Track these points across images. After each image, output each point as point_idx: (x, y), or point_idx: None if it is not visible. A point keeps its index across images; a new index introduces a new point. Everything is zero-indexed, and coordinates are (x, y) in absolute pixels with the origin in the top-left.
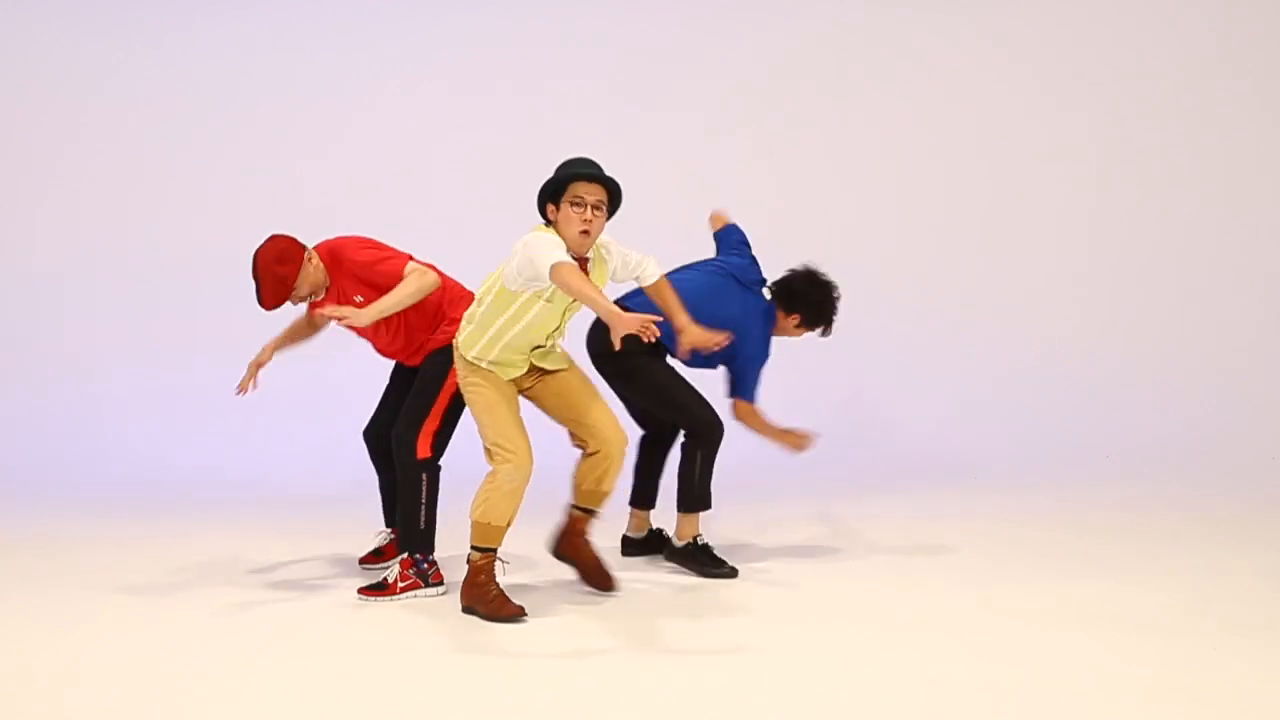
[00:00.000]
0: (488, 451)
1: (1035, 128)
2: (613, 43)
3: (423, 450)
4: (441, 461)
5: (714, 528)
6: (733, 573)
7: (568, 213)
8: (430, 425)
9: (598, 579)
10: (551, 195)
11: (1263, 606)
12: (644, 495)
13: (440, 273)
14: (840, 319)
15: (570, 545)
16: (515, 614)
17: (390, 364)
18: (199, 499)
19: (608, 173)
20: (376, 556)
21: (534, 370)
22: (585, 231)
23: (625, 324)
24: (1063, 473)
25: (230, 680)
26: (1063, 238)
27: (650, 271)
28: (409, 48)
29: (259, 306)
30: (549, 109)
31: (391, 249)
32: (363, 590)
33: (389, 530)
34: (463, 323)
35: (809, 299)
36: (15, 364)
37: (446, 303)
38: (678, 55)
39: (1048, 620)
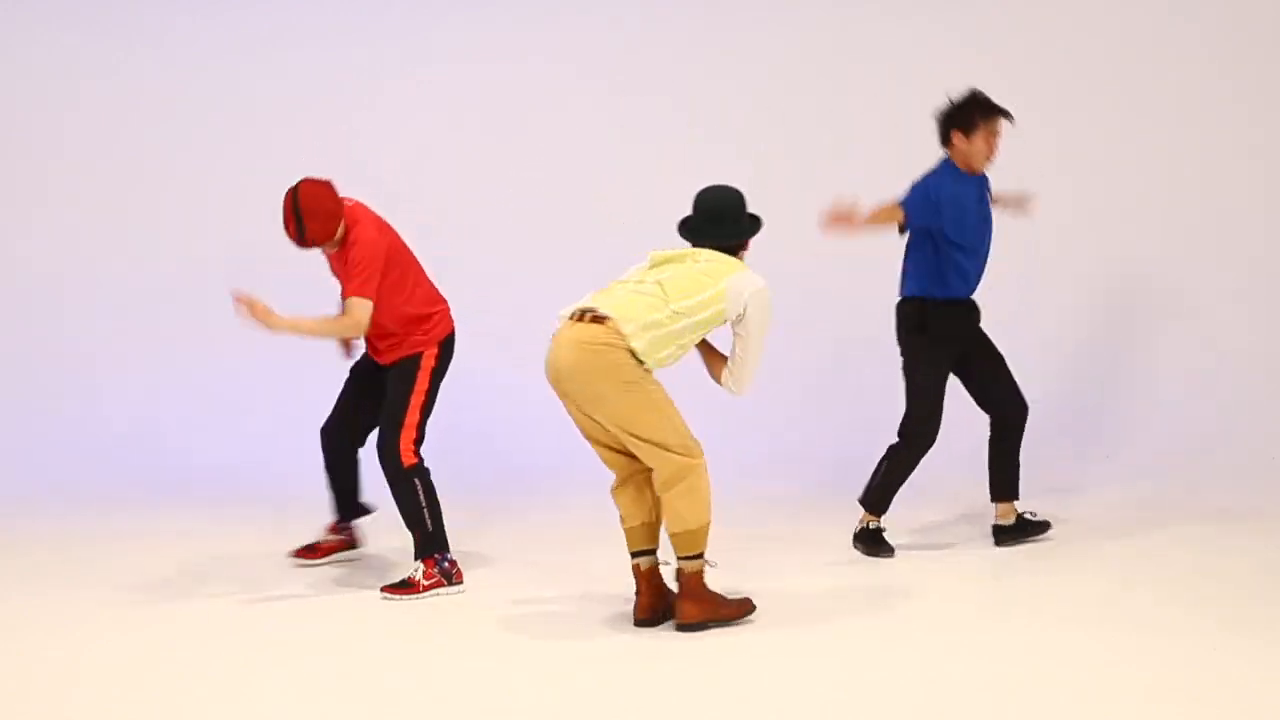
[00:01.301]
0: (670, 451)
1: (1031, 126)
2: (612, 44)
3: (408, 458)
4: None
5: (713, 528)
6: (890, 552)
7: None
8: (409, 434)
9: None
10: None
11: (1263, 606)
12: (1000, 488)
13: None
14: (838, 319)
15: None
16: (750, 608)
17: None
18: (199, 499)
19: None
20: (310, 551)
21: None
22: None
23: None
24: (1063, 472)
25: (230, 680)
26: (1061, 236)
27: None
28: (409, 48)
29: (296, 243)
30: (549, 109)
31: (373, 268)
32: (386, 589)
33: (339, 526)
34: (643, 329)
35: (946, 114)
36: (14, 363)
37: (427, 302)
38: (680, 55)
39: (1048, 620)
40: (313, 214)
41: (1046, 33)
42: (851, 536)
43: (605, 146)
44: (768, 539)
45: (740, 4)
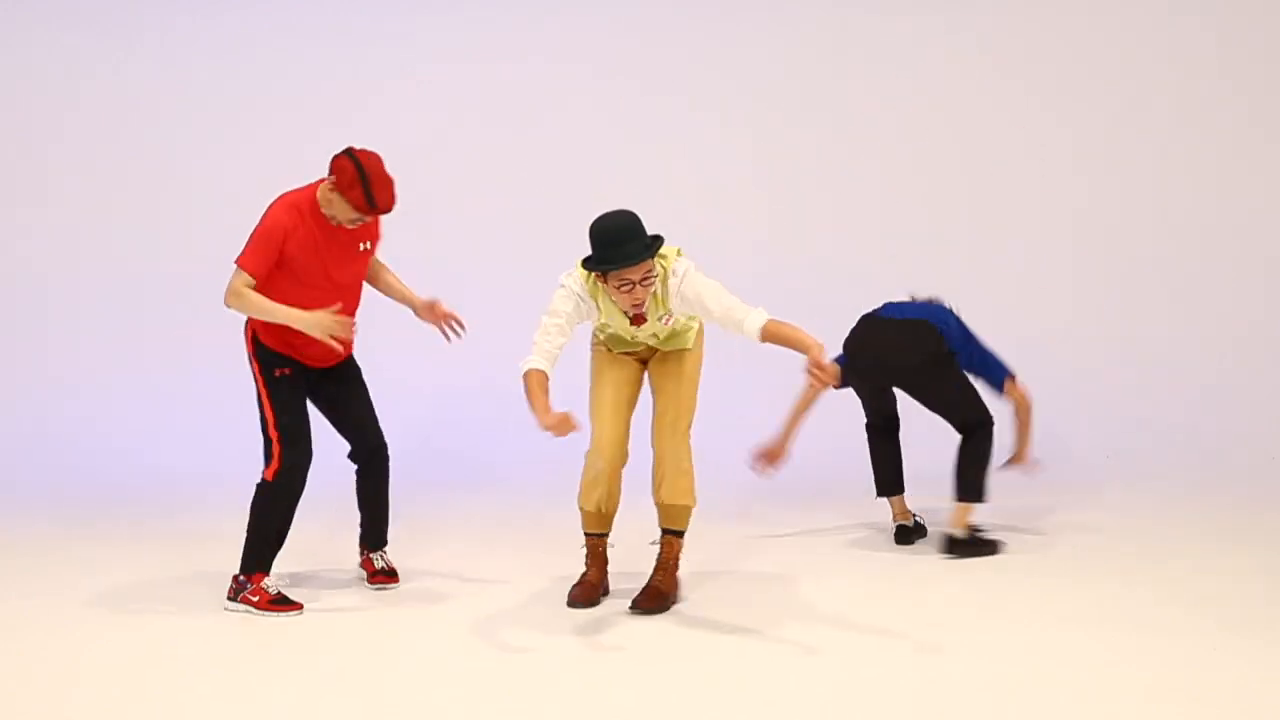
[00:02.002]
0: None
1: (1031, 126)
2: (614, 44)
3: None
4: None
5: (712, 527)
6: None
7: (613, 289)
8: None
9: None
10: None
11: (1263, 606)
12: (892, 483)
13: None
14: (837, 319)
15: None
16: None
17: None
18: (198, 499)
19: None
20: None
21: (649, 348)
22: (637, 305)
23: (549, 427)
24: (1063, 473)
25: (230, 680)
26: (1060, 237)
27: (752, 328)
28: (409, 48)
29: (373, 207)
30: (550, 109)
31: None
32: (378, 578)
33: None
34: None
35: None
36: (12, 364)
37: None
38: (683, 55)
39: (1048, 620)
40: (383, 181)
41: (1046, 33)
42: (947, 542)
43: (608, 146)
44: (768, 539)
45: (741, 4)
